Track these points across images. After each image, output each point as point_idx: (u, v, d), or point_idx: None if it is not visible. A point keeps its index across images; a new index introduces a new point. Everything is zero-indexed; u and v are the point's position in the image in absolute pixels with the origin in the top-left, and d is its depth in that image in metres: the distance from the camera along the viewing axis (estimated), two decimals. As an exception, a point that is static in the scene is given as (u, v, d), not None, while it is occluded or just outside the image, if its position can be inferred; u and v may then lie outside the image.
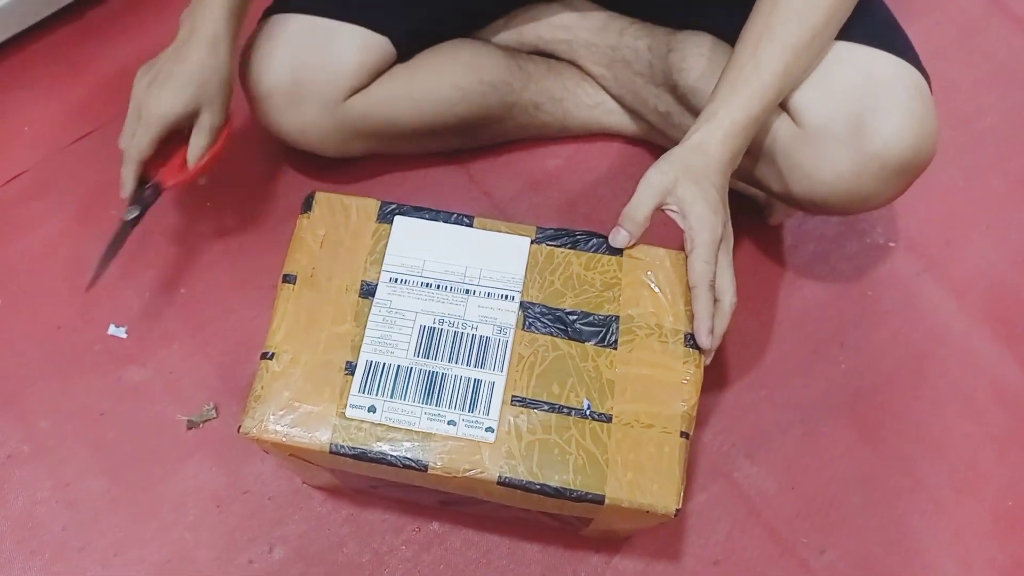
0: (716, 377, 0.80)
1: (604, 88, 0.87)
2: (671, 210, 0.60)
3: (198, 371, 0.80)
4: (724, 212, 0.63)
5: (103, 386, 0.79)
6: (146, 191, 0.76)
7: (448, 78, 0.80)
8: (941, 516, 0.76)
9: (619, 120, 0.89)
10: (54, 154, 0.90)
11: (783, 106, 0.67)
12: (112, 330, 0.81)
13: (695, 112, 0.71)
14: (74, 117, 0.92)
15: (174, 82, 0.68)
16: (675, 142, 0.64)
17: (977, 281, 0.87)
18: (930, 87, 0.68)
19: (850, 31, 0.65)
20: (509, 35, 0.87)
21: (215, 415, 0.78)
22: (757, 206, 0.86)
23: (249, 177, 0.89)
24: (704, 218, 0.59)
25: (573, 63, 0.87)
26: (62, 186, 0.89)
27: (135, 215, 0.76)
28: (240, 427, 0.55)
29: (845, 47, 0.65)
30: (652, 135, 0.88)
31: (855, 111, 0.63)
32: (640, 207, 0.60)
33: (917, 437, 0.79)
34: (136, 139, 0.69)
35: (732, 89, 0.63)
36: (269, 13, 0.79)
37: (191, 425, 0.78)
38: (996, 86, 0.98)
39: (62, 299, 0.83)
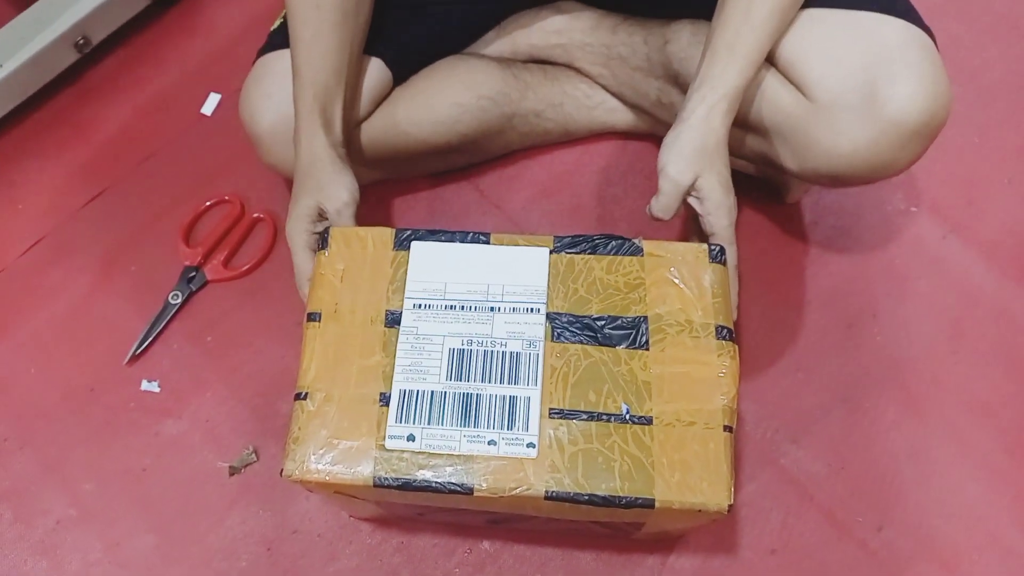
0: (752, 364, 0.79)
1: (603, 87, 0.86)
2: (692, 198, 0.61)
3: (234, 416, 0.80)
4: (732, 187, 0.64)
5: (142, 443, 0.79)
6: (191, 279, 0.82)
7: (447, 97, 0.80)
8: (998, 481, 0.75)
9: (622, 117, 0.88)
10: (68, 219, 0.91)
11: (792, 81, 0.66)
12: (145, 386, 0.82)
13: None
14: (83, 179, 0.93)
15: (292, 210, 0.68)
16: None
17: (1004, 238, 0.85)
18: (936, 45, 0.67)
19: None
20: (502, 46, 0.87)
21: (255, 458, 0.78)
22: (772, 186, 0.85)
23: (261, 217, 0.90)
24: (721, 204, 0.61)
25: (569, 66, 0.87)
26: (79, 249, 0.89)
27: (179, 300, 0.83)
28: (282, 471, 0.55)
29: (849, 15, 0.64)
30: (657, 128, 0.87)
31: (867, 80, 0.62)
32: (669, 208, 0.63)
33: (962, 402, 0.78)
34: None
35: (731, 53, 0.63)
36: (263, 52, 0.79)
37: (233, 471, 0.78)
38: (998, 38, 0.96)
39: (92, 362, 0.83)
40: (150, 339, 0.83)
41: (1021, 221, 0.86)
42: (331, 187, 0.67)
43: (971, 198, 0.87)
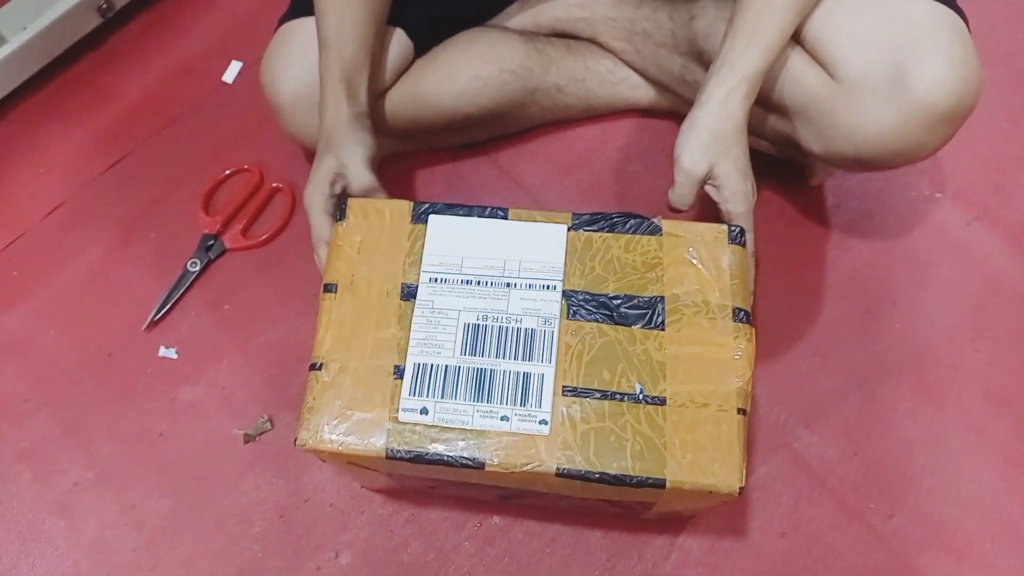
0: (768, 347, 0.79)
1: (626, 63, 0.85)
2: (708, 185, 0.60)
3: (249, 385, 0.81)
4: (751, 172, 0.64)
5: (159, 408, 0.80)
6: (209, 247, 0.82)
7: (468, 70, 0.79)
8: (1013, 470, 0.74)
9: (644, 94, 0.87)
10: (89, 183, 0.92)
11: (818, 60, 0.65)
12: (162, 352, 0.82)
13: None
14: (105, 144, 0.94)
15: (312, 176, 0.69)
16: None
17: (1031, 225, 0.84)
18: (968, 27, 0.65)
19: None
20: (524, 19, 0.86)
21: (270, 427, 0.79)
22: (796, 168, 0.84)
23: (280, 187, 0.90)
24: (737, 191, 0.61)
25: (592, 41, 0.86)
26: (100, 214, 0.90)
27: (197, 268, 0.84)
28: (296, 440, 0.55)
29: (877, -6, 0.63)
30: (679, 105, 0.86)
31: (894, 60, 0.61)
32: (685, 198, 0.63)
33: (980, 390, 0.77)
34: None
35: (751, 36, 0.62)
36: (284, 20, 0.79)
37: (248, 439, 0.78)
38: (1033, 20, 0.94)
39: (111, 326, 0.84)
40: (168, 306, 0.84)
41: (1048, 209, 0.85)
42: (348, 145, 0.67)
43: (998, 184, 0.86)
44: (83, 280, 0.87)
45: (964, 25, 0.64)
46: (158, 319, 0.84)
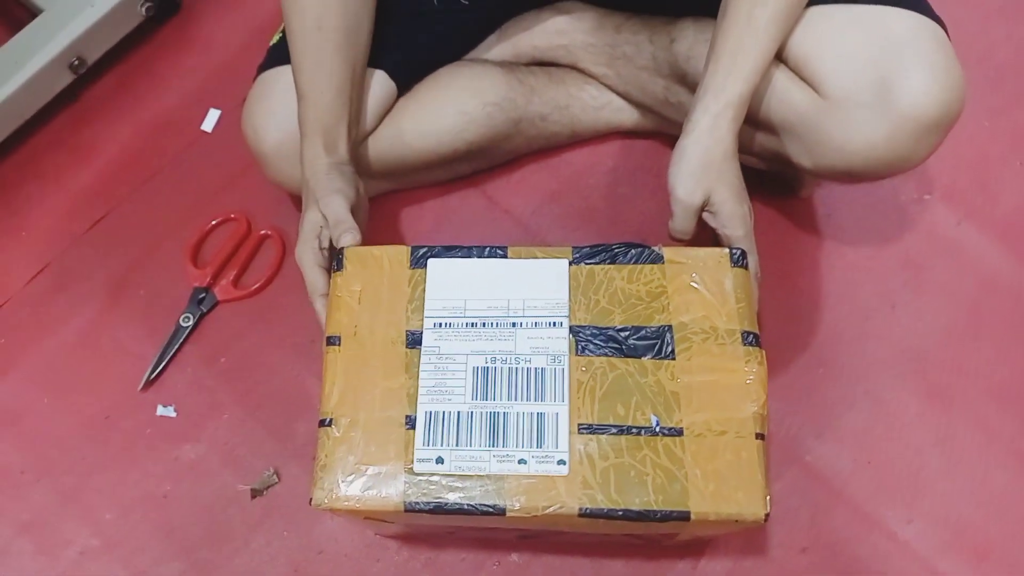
0: (773, 361, 0.76)
1: (609, 87, 0.85)
2: (705, 212, 0.60)
3: (252, 438, 0.79)
4: (746, 194, 0.64)
5: (161, 469, 0.79)
6: (201, 300, 0.81)
7: (452, 105, 0.79)
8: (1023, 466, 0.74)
9: (629, 117, 0.87)
10: (72, 244, 0.90)
11: (803, 78, 0.65)
12: (161, 411, 0.81)
13: None
14: (86, 203, 0.92)
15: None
16: None
17: (1019, 220, 0.85)
18: (947, 34, 0.66)
19: None
20: (504, 50, 0.86)
21: (277, 480, 0.77)
22: (785, 181, 0.84)
23: (268, 234, 0.89)
24: (735, 215, 0.61)
25: (573, 67, 0.86)
26: (85, 275, 0.88)
27: (191, 323, 0.83)
28: (311, 500, 0.54)
29: (858, 9, 0.63)
30: (664, 126, 0.86)
31: (879, 74, 0.61)
32: (685, 230, 0.63)
33: (985, 388, 0.77)
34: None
35: (733, 61, 0.62)
36: (263, 68, 0.78)
37: (255, 493, 0.77)
38: (1004, 19, 0.95)
39: (106, 389, 0.82)
40: (163, 363, 0.82)
41: (1035, 202, 0.86)
42: (327, 196, 0.66)
43: (984, 183, 0.87)
44: (73, 344, 0.85)
45: (944, 33, 0.65)
46: (154, 378, 0.82)
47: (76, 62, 0.94)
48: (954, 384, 0.78)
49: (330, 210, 0.65)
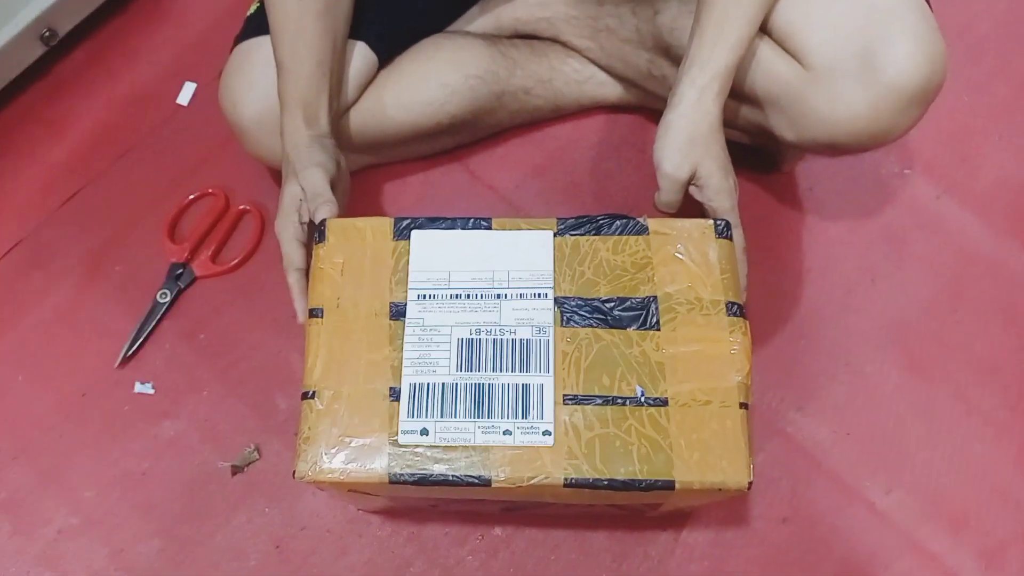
0: (755, 333, 0.76)
1: (592, 61, 0.85)
2: (692, 186, 0.60)
3: (232, 414, 0.79)
4: (731, 167, 0.64)
5: (140, 446, 0.78)
6: (179, 276, 0.80)
7: (434, 78, 0.78)
8: (1002, 438, 0.75)
9: (612, 91, 0.86)
10: (46, 219, 0.88)
11: (787, 50, 0.65)
12: (139, 388, 0.80)
13: None
14: (60, 178, 0.90)
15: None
16: None
17: (998, 194, 0.85)
18: (930, 5, 0.66)
19: None
20: (486, 22, 0.85)
21: (258, 456, 0.77)
22: (767, 155, 0.84)
23: (247, 209, 0.88)
24: (722, 189, 0.61)
25: (556, 40, 0.85)
26: (61, 250, 0.87)
27: (168, 299, 0.81)
28: (295, 472, 0.54)
29: (841, -20, 0.63)
30: (647, 100, 0.86)
31: (863, 45, 0.61)
32: (672, 203, 0.63)
33: (964, 361, 0.78)
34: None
35: (719, 32, 0.62)
36: (241, 38, 0.77)
37: (236, 470, 0.76)
38: (984, -8, 0.96)
39: (83, 365, 0.81)
40: (141, 340, 0.81)
41: (1014, 176, 0.86)
42: (308, 169, 0.65)
43: (963, 156, 0.87)
44: (49, 321, 0.84)
45: (926, 4, 0.65)
46: (131, 354, 0.81)
47: (47, 33, 0.92)
48: (934, 356, 0.78)
49: (308, 183, 0.64)
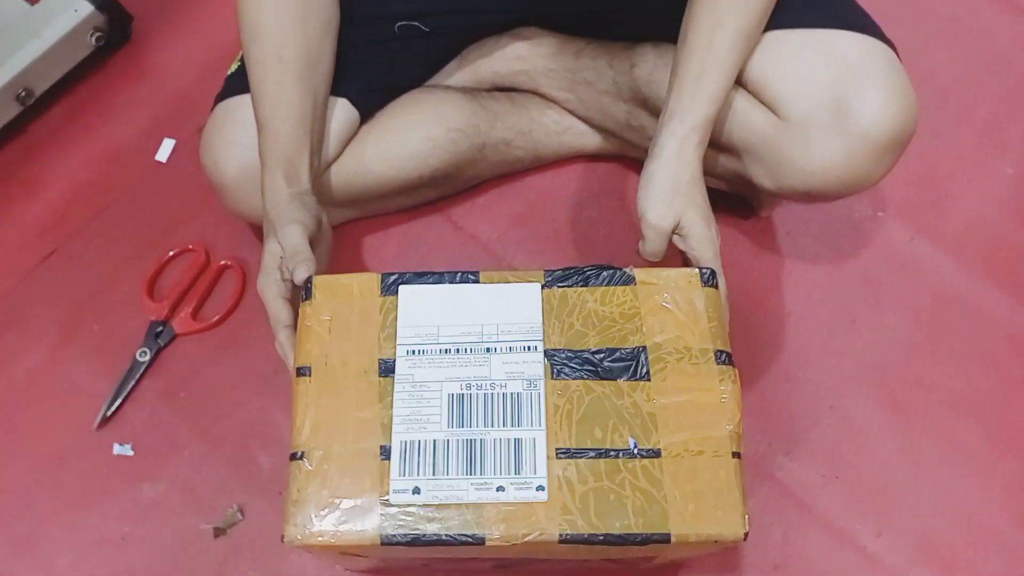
0: (740, 379, 0.79)
1: (570, 112, 0.86)
2: (675, 236, 0.61)
3: (214, 475, 0.77)
4: (712, 216, 0.65)
5: (119, 509, 0.76)
6: (158, 334, 0.79)
7: (416, 131, 0.78)
8: (986, 475, 0.76)
9: (591, 141, 0.88)
10: (22, 280, 0.87)
11: (762, 101, 0.67)
12: (117, 449, 0.78)
13: None
14: (36, 238, 0.89)
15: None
16: None
17: (970, 236, 0.87)
18: (898, 56, 0.68)
19: (812, 17, 0.65)
20: (464, 75, 0.86)
21: (241, 517, 0.75)
22: (744, 200, 0.85)
23: (228, 265, 0.87)
24: (704, 238, 0.62)
25: (535, 92, 0.86)
26: (36, 311, 0.85)
27: (147, 358, 0.80)
28: (284, 537, 0.52)
29: (813, 34, 0.65)
30: (626, 149, 0.87)
31: (836, 96, 0.63)
32: (657, 253, 0.64)
33: (946, 400, 0.79)
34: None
35: (697, 85, 0.63)
36: (221, 97, 0.77)
37: (218, 532, 0.75)
38: (945, 40, 0.99)
39: (59, 428, 0.79)
40: (119, 400, 0.80)
41: (983, 216, 0.88)
42: (286, 227, 0.64)
43: (935, 198, 0.89)
44: (24, 382, 0.82)
45: (895, 55, 0.67)
46: (110, 415, 0.79)
47: (23, 93, 0.92)
48: (916, 397, 0.79)
49: (287, 240, 0.63)
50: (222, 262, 0.86)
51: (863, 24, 0.67)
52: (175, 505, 0.76)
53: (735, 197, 0.84)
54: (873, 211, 0.88)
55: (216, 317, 0.84)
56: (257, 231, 0.79)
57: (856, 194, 0.69)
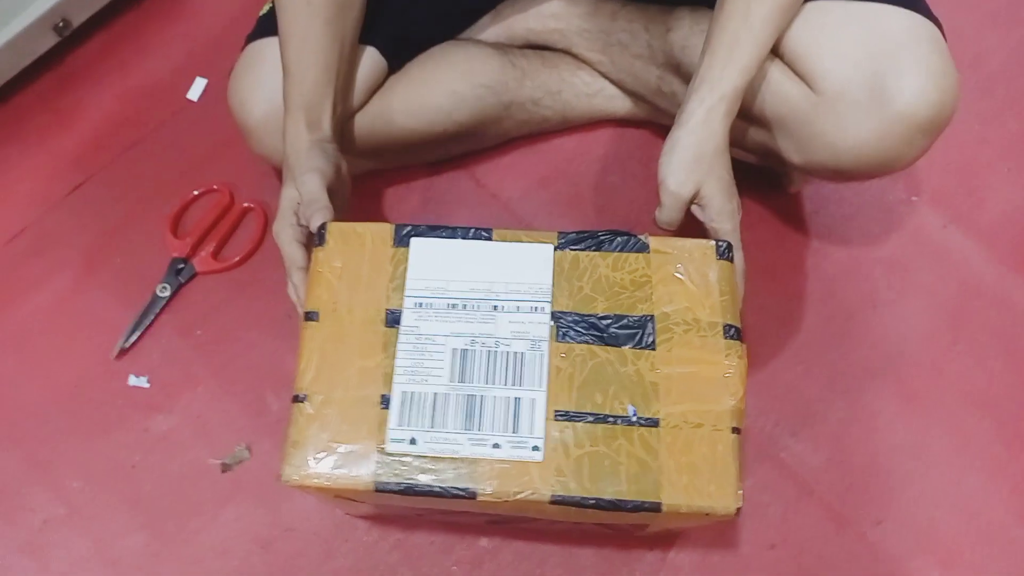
0: (752, 356, 0.76)
1: (602, 74, 0.85)
2: (694, 205, 0.60)
3: (225, 412, 0.78)
4: (735, 189, 0.63)
5: (131, 439, 0.78)
6: (179, 270, 0.80)
7: (443, 85, 0.78)
8: (996, 473, 0.75)
9: (621, 105, 0.86)
10: (51, 208, 0.89)
11: (797, 73, 0.65)
12: (133, 381, 0.80)
13: None
14: (67, 168, 0.91)
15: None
16: None
17: (1005, 227, 0.85)
18: (944, 35, 0.65)
19: None
20: (498, 31, 0.85)
21: (248, 455, 0.76)
22: (774, 175, 0.84)
23: (251, 207, 0.88)
24: (723, 210, 0.61)
25: (567, 52, 0.85)
26: (63, 240, 0.87)
27: (167, 293, 0.81)
28: (281, 475, 0.53)
29: (856, 6, 0.63)
30: (656, 115, 0.86)
31: (874, 73, 0.61)
32: (673, 221, 0.62)
33: (962, 394, 0.78)
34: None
35: (729, 53, 0.61)
36: (252, 38, 0.77)
37: (225, 468, 0.76)
38: (998, 25, 0.95)
39: (78, 355, 0.81)
40: (138, 333, 0.81)
41: (1021, 209, 0.86)
42: (305, 174, 0.65)
43: (971, 187, 0.87)
44: (48, 309, 0.84)
45: (940, 35, 0.64)
46: (128, 347, 0.81)
47: (61, 24, 0.92)
48: (931, 388, 0.78)
49: (305, 188, 0.64)
50: (245, 204, 0.87)
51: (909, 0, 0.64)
52: (185, 439, 0.78)
53: (763, 171, 0.82)
54: (907, 195, 0.86)
55: (236, 258, 0.84)
56: (281, 176, 0.79)
57: (887, 176, 0.67)
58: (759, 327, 0.79)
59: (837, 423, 0.76)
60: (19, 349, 0.82)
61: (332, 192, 0.65)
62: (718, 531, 0.73)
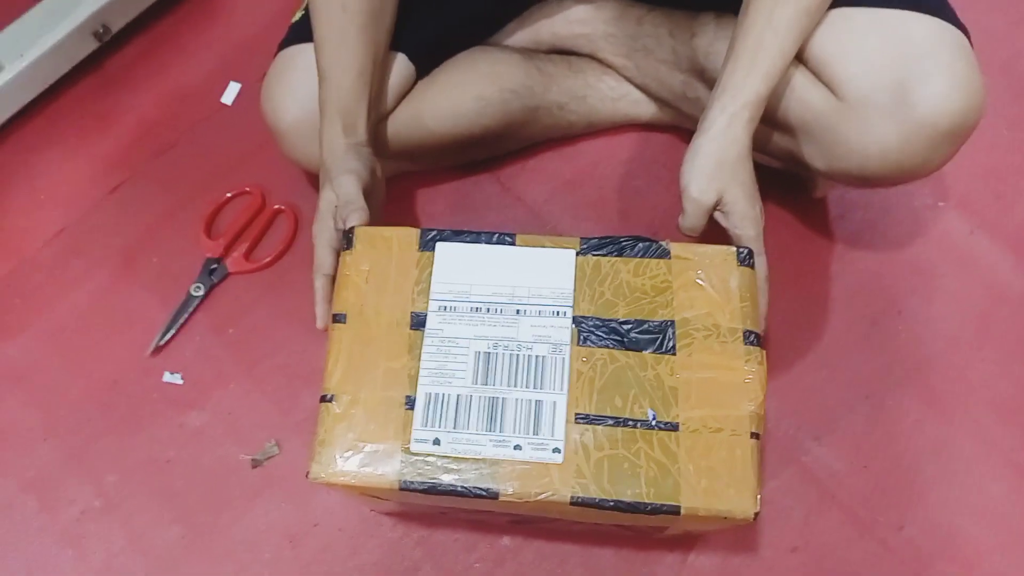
0: (775, 361, 0.79)
1: (627, 79, 0.85)
2: (717, 212, 0.60)
3: (256, 409, 0.80)
4: (758, 195, 0.64)
5: (166, 434, 0.80)
6: (212, 270, 0.82)
7: (470, 90, 0.79)
8: (1020, 479, 0.74)
9: (646, 110, 0.87)
10: (89, 209, 0.91)
11: (821, 79, 0.65)
12: (167, 377, 0.82)
13: None
14: (105, 170, 0.93)
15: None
16: None
17: (1033, 233, 0.84)
18: (970, 42, 0.65)
19: None
20: (524, 36, 0.86)
21: (278, 451, 0.78)
22: (799, 180, 0.84)
23: (282, 209, 0.90)
24: (746, 216, 0.61)
25: (593, 57, 0.86)
26: (101, 240, 0.90)
27: (201, 292, 0.84)
28: (308, 473, 0.55)
29: (880, 13, 0.63)
30: (681, 120, 0.86)
31: (898, 79, 0.61)
32: (695, 227, 0.63)
33: (987, 400, 0.77)
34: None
35: (753, 60, 0.62)
36: (284, 44, 0.79)
37: (256, 464, 0.78)
38: (1031, 27, 0.94)
39: (115, 352, 0.84)
40: (172, 331, 0.84)
41: (1050, 216, 0.85)
42: (341, 176, 0.66)
43: (999, 193, 0.86)
44: (85, 307, 0.86)
45: (967, 41, 0.64)
46: (163, 345, 0.83)
47: (101, 30, 0.95)
48: (956, 394, 0.78)
49: (342, 190, 0.65)
50: (276, 206, 0.89)
51: (934, 5, 0.64)
52: (218, 434, 0.80)
53: (788, 176, 0.82)
54: (933, 200, 0.86)
55: (268, 259, 0.86)
56: (311, 179, 0.81)
57: (913, 182, 0.67)
58: (782, 331, 0.80)
59: (860, 428, 0.77)
60: (59, 345, 0.85)
61: (367, 194, 0.66)
62: (739, 534, 0.73)
